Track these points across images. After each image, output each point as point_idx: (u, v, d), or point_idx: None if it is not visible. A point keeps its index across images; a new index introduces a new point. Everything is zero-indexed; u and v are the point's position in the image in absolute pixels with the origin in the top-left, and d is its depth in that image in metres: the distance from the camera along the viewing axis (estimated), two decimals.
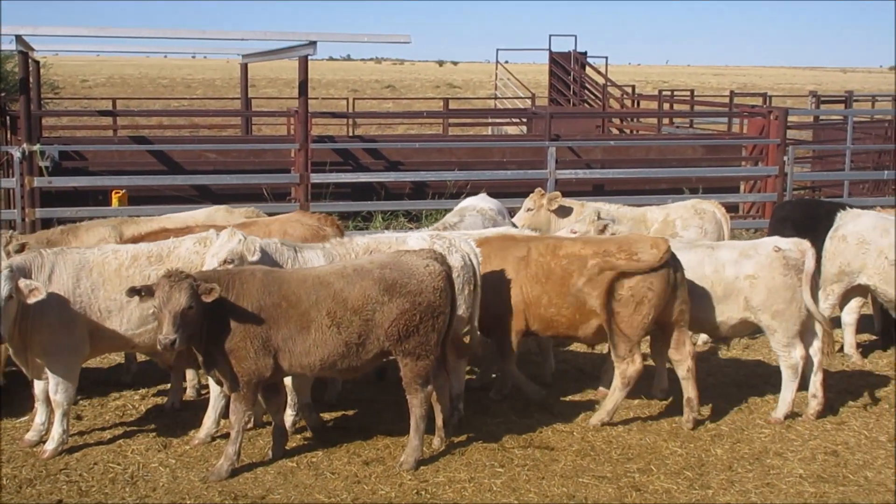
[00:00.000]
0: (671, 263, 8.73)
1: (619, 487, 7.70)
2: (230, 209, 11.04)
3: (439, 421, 8.35)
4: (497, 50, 34.99)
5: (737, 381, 10.31)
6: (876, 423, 9.11)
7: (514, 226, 11.46)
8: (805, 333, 9.21)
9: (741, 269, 9.11)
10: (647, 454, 8.38)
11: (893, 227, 10.54)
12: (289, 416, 8.39)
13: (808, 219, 11.69)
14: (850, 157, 19.83)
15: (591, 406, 9.46)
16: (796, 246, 9.18)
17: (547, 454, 8.32)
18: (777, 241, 9.32)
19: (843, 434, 8.92)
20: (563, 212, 11.87)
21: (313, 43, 15.92)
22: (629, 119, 28.61)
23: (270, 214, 11.07)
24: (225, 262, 8.07)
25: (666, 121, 26.81)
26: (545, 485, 7.72)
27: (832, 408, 9.51)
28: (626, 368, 8.83)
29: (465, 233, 9.46)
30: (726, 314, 9.18)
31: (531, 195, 11.98)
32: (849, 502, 7.55)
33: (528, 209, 11.97)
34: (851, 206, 11.36)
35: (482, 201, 11.52)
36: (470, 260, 8.64)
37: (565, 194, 14.67)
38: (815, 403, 9.28)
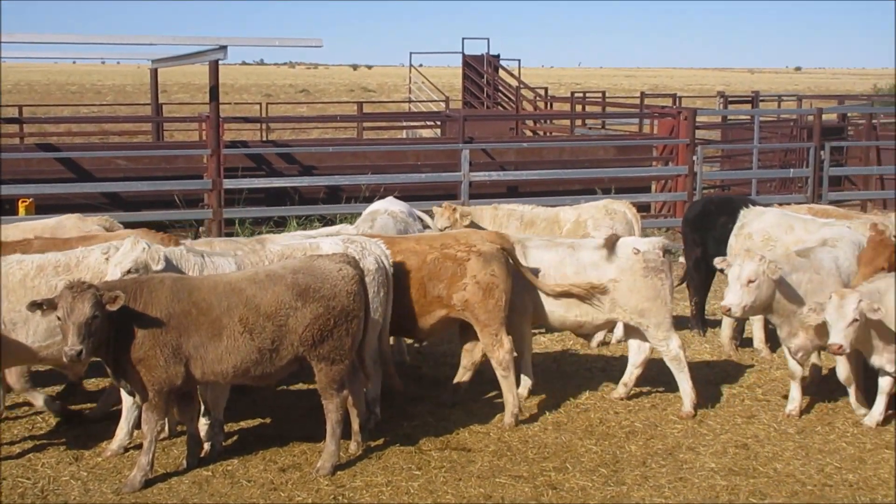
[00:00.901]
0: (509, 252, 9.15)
1: (536, 486, 7.76)
2: (82, 217, 10.71)
3: (356, 425, 8.33)
4: (410, 53, 35.16)
5: (649, 379, 10.42)
6: (785, 417, 9.29)
7: (428, 229, 11.44)
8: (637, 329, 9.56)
9: (603, 272, 9.29)
10: (563, 452, 8.46)
11: (797, 224, 10.81)
12: (203, 424, 8.29)
13: (703, 216, 12.16)
14: (758, 155, 20.25)
15: None
16: (654, 246, 9.43)
17: (464, 455, 8.35)
18: (635, 242, 9.56)
19: (753, 427, 9.09)
20: (476, 226, 11.73)
21: (224, 47, 15.78)
22: (542, 121, 28.86)
23: (174, 221, 10.87)
24: (129, 271, 7.94)
25: (578, 122, 27.09)
26: (462, 486, 7.74)
27: (742, 402, 9.69)
28: (498, 354, 9.03)
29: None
30: (591, 314, 9.35)
31: (442, 211, 11.65)
32: (759, 494, 7.70)
33: (445, 227, 11.67)
34: (755, 203, 11.67)
35: (391, 204, 11.49)
36: (383, 263, 8.65)
37: (479, 196, 14.74)
38: (623, 390, 9.80)
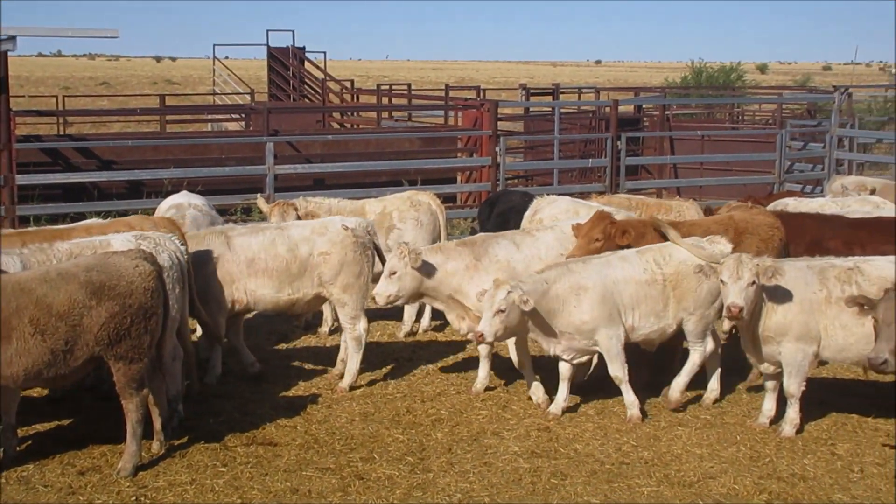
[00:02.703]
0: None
1: (343, 477, 7.78)
2: None
3: (157, 424, 8.16)
4: (214, 45, 34.52)
5: (456, 366, 10.60)
6: (584, 399, 9.57)
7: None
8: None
9: (315, 247, 9.74)
10: (370, 443, 8.51)
11: (583, 210, 11.22)
12: None
13: (486, 207, 13.03)
14: (558, 146, 20.78)
15: (315, 400, 9.52)
16: (361, 225, 9.98)
17: (270, 450, 8.30)
18: (344, 220, 10.03)
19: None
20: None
21: (12, 37, 15.07)
22: (349, 113, 28.81)
23: None
24: None
25: (385, 114, 27.18)
26: (268, 481, 7.70)
27: (547, 388, 9.87)
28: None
29: None
30: (302, 290, 9.80)
31: (285, 208, 11.22)
32: (560, 474, 7.93)
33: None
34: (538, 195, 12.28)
35: (193, 198, 11.33)
36: (178, 258, 8.49)
37: (285, 189, 14.62)
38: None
